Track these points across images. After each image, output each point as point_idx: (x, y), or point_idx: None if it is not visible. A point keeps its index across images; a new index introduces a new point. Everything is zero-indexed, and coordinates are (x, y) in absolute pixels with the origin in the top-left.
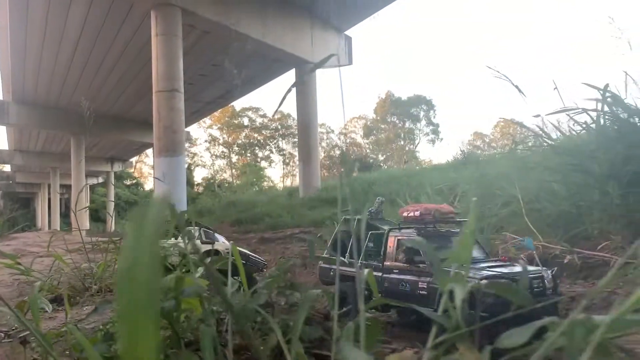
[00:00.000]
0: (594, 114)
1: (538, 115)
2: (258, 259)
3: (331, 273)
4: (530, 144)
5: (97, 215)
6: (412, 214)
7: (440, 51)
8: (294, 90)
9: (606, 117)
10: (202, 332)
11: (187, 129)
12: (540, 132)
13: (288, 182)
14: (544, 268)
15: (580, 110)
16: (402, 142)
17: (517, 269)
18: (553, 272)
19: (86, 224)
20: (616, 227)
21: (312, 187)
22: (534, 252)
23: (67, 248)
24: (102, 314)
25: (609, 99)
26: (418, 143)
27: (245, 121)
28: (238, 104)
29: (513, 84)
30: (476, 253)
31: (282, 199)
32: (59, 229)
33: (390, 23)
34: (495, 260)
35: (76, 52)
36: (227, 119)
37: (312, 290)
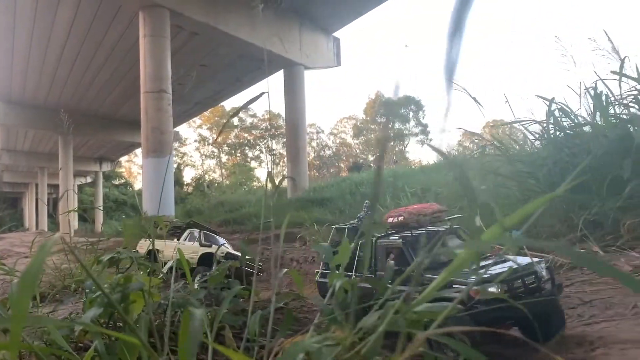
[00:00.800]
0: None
1: (494, 125)
2: (252, 263)
3: (328, 288)
4: (487, 152)
5: (85, 216)
6: (396, 219)
7: (430, 49)
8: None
9: (555, 127)
10: (139, 318)
11: (176, 129)
12: (495, 141)
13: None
14: (537, 260)
15: (532, 121)
16: (392, 143)
17: (508, 264)
18: (547, 265)
19: (74, 224)
20: (562, 230)
21: (301, 188)
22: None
23: (51, 250)
24: (67, 305)
25: (556, 111)
26: (407, 144)
27: (235, 121)
28: (228, 104)
29: (471, 96)
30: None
31: (270, 199)
32: (46, 229)
33: (379, 23)
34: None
35: (64, 52)
36: (216, 118)
37: (237, 285)
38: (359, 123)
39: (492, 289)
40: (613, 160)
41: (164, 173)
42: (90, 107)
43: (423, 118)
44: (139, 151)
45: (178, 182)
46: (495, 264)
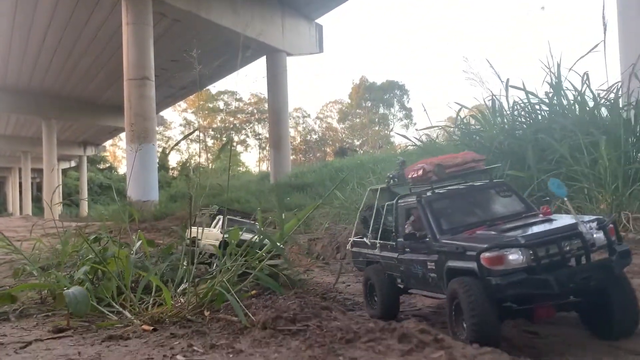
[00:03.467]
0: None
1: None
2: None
3: (360, 259)
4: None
5: (70, 199)
6: (415, 174)
7: (413, 36)
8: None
9: (464, 129)
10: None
11: (161, 113)
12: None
13: (264, 167)
14: (588, 219)
15: (449, 126)
16: (376, 127)
17: (564, 222)
18: (604, 224)
19: (58, 208)
20: None
21: (283, 173)
22: (566, 199)
23: (45, 232)
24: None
25: (465, 118)
26: (392, 128)
27: (221, 104)
28: (213, 88)
29: (424, 108)
30: (513, 207)
31: (253, 184)
32: (30, 213)
33: (362, 10)
34: (535, 215)
35: (47, 37)
36: (201, 102)
37: None
38: (344, 108)
39: (513, 256)
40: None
41: (148, 159)
42: (73, 91)
43: (407, 102)
44: (123, 135)
45: (163, 166)
46: (528, 225)
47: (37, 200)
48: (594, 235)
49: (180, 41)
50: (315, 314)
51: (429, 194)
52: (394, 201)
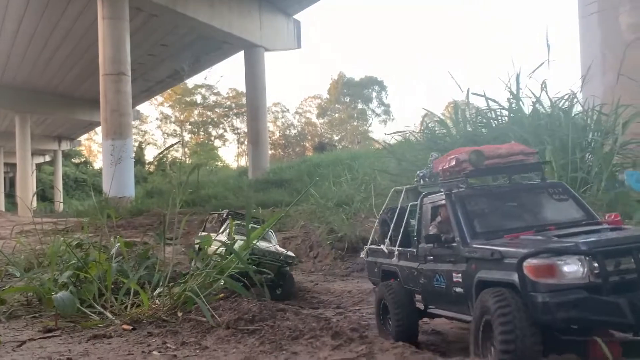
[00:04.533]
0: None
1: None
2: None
3: (375, 270)
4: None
5: (44, 195)
6: (447, 164)
7: (391, 32)
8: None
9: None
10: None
11: (138, 107)
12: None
13: (243, 162)
14: None
15: (414, 131)
16: (355, 123)
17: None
18: None
19: (33, 204)
20: None
21: (261, 169)
22: None
23: (23, 229)
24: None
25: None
26: (370, 124)
27: (198, 99)
28: (190, 81)
29: (393, 120)
30: (570, 213)
31: (231, 180)
32: (3, 209)
33: (341, 5)
34: (599, 224)
35: (20, 29)
36: (178, 96)
37: None
38: (323, 103)
39: (569, 267)
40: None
41: (123, 155)
42: (48, 85)
43: (386, 98)
44: (99, 129)
45: (139, 161)
46: (592, 232)
47: (9, 196)
48: None
49: (157, 35)
50: (271, 315)
51: (461, 188)
52: (419, 199)
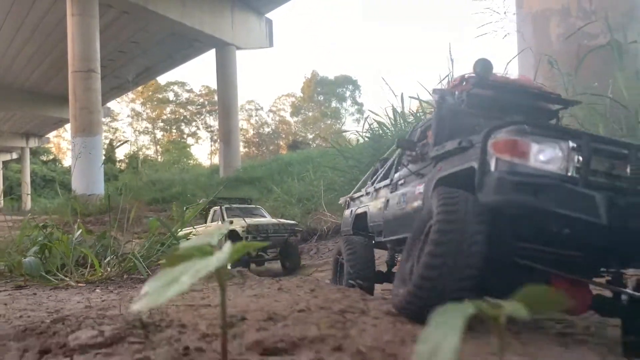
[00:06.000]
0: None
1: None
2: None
3: (349, 220)
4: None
5: (11, 193)
6: (451, 84)
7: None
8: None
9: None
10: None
11: (108, 104)
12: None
13: (216, 160)
14: None
15: (357, 131)
16: (329, 121)
17: None
18: None
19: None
20: None
21: (232, 167)
22: None
23: None
24: None
25: (374, 120)
26: (344, 122)
27: (171, 96)
28: (162, 79)
29: (367, 118)
30: None
31: (203, 178)
32: None
33: (313, 5)
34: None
35: None
36: (150, 93)
37: None
38: (297, 102)
39: (545, 151)
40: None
41: (93, 152)
42: (15, 81)
43: (359, 97)
44: (68, 126)
45: (110, 158)
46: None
47: None
48: None
49: (128, 32)
50: None
51: (456, 94)
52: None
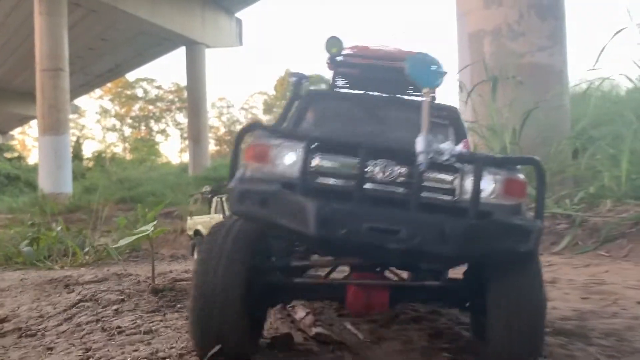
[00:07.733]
0: None
1: None
2: None
3: None
4: None
5: None
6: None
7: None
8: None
9: None
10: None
11: (76, 101)
12: None
13: (186, 157)
14: None
15: None
16: None
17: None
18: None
19: None
20: None
21: (202, 166)
22: None
23: None
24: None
25: None
26: None
27: (140, 92)
28: (131, 75)
29: None
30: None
31: (171, 177)
32: None
33: (284, 4)
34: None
35: None
36: (119, 89)
37: None
38: (269, 100)
39: (284, 155)
40: None
41: (61, 151)
42: None
43: None
44: (33, 123)
45: (77, 156)
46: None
47: None
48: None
49: (96, 29)
50: None
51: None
52: None
